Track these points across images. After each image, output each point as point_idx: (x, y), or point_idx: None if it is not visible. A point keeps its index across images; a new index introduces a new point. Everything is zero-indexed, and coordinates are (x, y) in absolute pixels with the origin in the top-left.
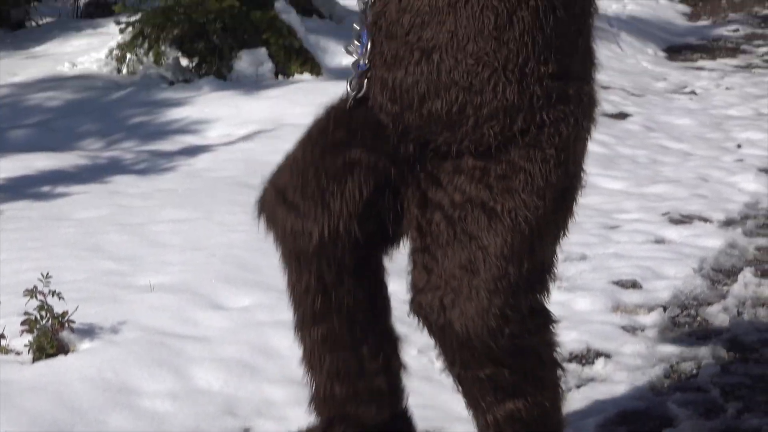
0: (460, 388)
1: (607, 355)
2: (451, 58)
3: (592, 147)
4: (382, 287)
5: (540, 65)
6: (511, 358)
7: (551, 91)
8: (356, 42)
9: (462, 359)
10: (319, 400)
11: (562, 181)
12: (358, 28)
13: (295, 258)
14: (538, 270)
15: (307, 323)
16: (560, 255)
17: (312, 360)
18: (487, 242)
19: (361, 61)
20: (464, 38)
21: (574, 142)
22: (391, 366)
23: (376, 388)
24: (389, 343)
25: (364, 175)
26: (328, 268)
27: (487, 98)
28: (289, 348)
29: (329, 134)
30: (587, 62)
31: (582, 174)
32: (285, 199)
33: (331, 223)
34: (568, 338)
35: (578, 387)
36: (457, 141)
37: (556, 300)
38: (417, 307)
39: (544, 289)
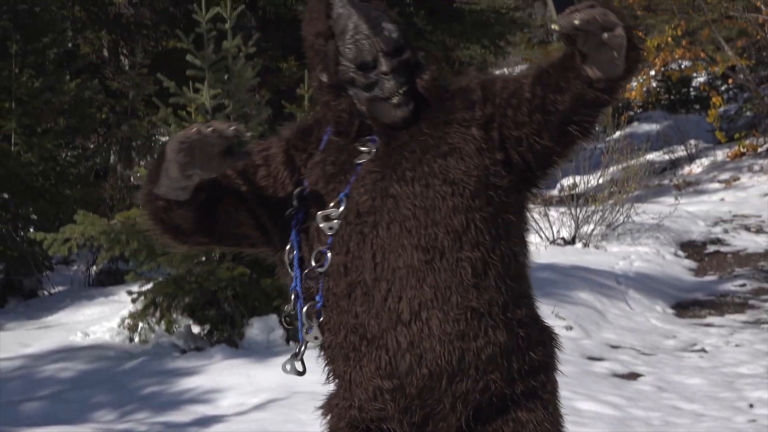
0: None
1: None
2: (440, 312)
3: (603, 409)
4: None
5: (516, 309)
6: None
7: (530, 332)
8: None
9: None
10: None
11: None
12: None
13: None
14: None
15: None
16: None
17: None
18: None
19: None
20: (447, 291)
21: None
22: None
23: None
24: None
25: None
26: None
27: (482, 343)
28: None
29: None
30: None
31: None
32: None
33: None
34: None
35: None
36: (462, 398)
37: None
38: None
39: None
